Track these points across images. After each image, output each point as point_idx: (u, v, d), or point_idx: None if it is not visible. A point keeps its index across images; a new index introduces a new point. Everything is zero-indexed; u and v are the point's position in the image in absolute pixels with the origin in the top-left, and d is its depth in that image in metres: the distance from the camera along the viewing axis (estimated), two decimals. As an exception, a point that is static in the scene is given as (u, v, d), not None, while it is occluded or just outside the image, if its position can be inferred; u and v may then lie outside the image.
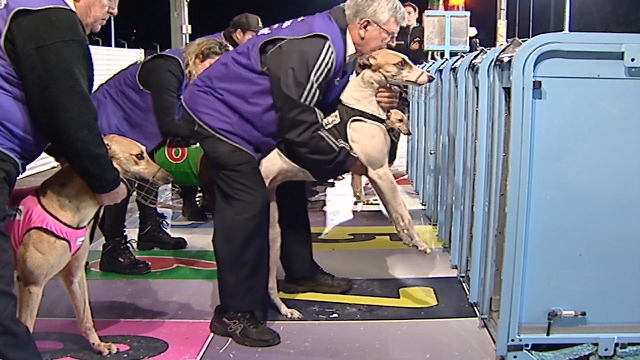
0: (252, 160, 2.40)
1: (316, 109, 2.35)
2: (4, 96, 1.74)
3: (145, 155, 2.18)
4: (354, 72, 2.52)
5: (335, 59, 2.35)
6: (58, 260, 2.01)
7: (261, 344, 2.37)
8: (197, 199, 4.54)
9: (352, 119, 2.46)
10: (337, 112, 2.47)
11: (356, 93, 2.49)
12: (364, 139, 2.46)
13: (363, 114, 2.47)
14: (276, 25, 2.47)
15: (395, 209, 2.54)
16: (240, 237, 2.37)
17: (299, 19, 2.46)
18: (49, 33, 1.73)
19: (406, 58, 2.50)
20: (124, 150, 2.12)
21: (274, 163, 2.49)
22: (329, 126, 2.44)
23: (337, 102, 2.51)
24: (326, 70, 2.33)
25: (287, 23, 2.44)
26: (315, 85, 2.31)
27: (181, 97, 2.52)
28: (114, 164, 2.05)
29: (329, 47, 2.32)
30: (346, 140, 2.44)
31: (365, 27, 2.42)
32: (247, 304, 2.43)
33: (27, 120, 1.79)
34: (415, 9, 6.30)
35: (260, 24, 4.23)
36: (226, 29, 4.24)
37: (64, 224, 1.99)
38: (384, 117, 2.53)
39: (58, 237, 1.98)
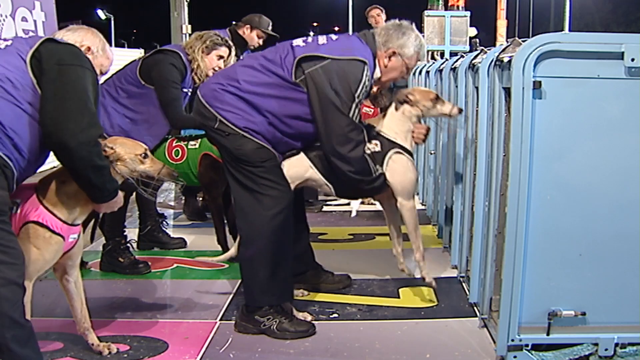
0: (275, 157, 2.46)
1: (364, 129, 2.49)
2: (12, 106, 1.84)
3: (149, 153, 2.22)
4: (393, 107, 2.66)
5: (370, 82, 2.46)
6: (52, 255, 2.03)
7: (300, 334, 2.43)
8: (198, 198, 4.55)
9: (393, 150, 2.60)
10: (378, 142, 2.59)
11: (396, 127, 2.64)
12: (403, 171, 2.62)
13: (402, 147, 2.62)
14: (310, 39, 2.52)
15: (413, 240, 2.71)
16: (270, 232, 2.40)
17: (333, 37, 2.51)
18: (70, 57, 1.97)
19: (438, 94, 2.69)
20: (128, 152, 2.15)
21: (305, 170, 2.60)
22: (369, 152, 2.55)
23: (374, 131, 2.65)
24: (364, 91, 2.43)
25: (321, 39, 2.49)
26: (358, 105, 2.42)
27: (198, 92, 2.52)
28: (120, 165, 2.11)
29: (367, 70, 2.42)
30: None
31: (390, 57, 2.53)
32: (281, 298, 2.49)
33: (30, 135, 1.87)
34: (382, 10, 6.31)
35: (270, 27, 4.26)
36: (234, 24, 4.25)
37: (60, 219, 2.02)
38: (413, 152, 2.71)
39: (53, 232, 2.00)
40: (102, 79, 3.25)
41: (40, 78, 1.89)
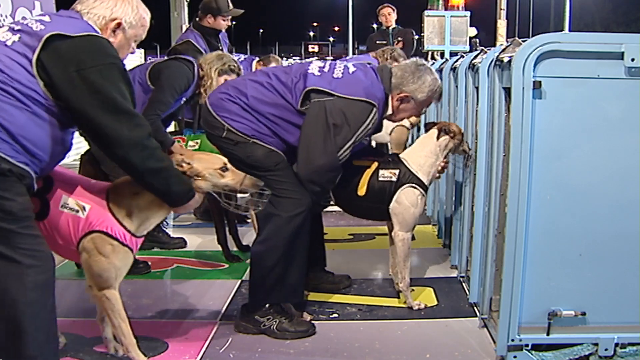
0: (285, 160, 2.46)
1: (341, 171, 2.48)
2: (20, 111, 1.73)
3: (229, 165, 2.15)
4: (429, 135, 2.75)
5: (376, 122, 2.47)
6: (123, 263, 2.02)
7: (300, 334, 2.44)
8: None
9: (408, 184, 2.66)
10: (397, 171, 2.67)
11: (423, 159, 2.72)
12: (409, 205, 2.67)
13: (421, 183, 2.68)
14: (327, 67, 2.50)
15: (401, 270, 2.75)
16: (287, 233, 2.40)
17: (351, 69, 2.49)
18: (91, 57, 1.77)
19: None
20: (207, 167, 2.09)
21: None
22: (382, 179, 2.65)
23: (397, 158, 2.74)
24: (366, 132, 2.44)
25: (338, 72, 2.47)
26: (353, 144, 2.41)
27: (206, 101, 2.52)
28: (200, 181, 2.07)
29: (375, 114, 2.42)
30: (390, 198, 2.66)
31: (402, 100, 2.53)
32: (287, 297, 2.49)
33: (42, 137, 1.79)
34: (394, 10, 6.33)
35: (231, 6, 4.17)
36: (195, 20, 4.16)
37: (129, 231, 2.00)
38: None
39: (122, 243, 1.99)
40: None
41: (51, 84, 1.74)
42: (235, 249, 3.53)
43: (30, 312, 1.71)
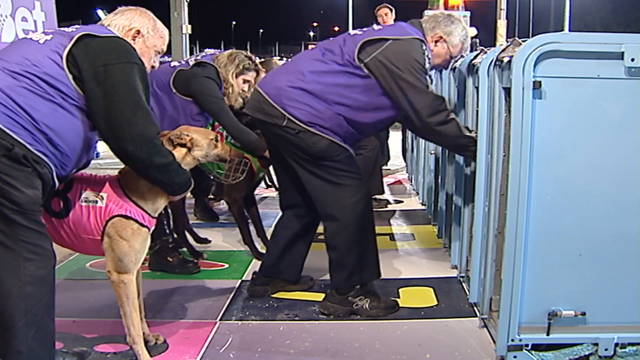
0: (345, 150, 2.53)
1: (444, 98, 2.53)
2: (46, 100, 1.81)
3: (219, 137, 2.29)
4: None
5: (429, 58, 2.52)
6: (142, 246, 2.09)
7: (389, 311, 2.64)
8: (210, 199, 4.57)
9: None
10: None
11: None
12: None
13: None
14: (365, 28, 2.57)
15: None
16: (355, 218, 2.53)
17: (385, 25, 2.58)
18: (116, 54, 1.90)
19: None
20: (204, 137, 2.23)
21: None
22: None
23: None
24: (429, 65, 2.51)
25: (375, 27, 2.55)
26: (430, 77, 2.52)
27: (260, 90, 2.54)
28: (197, 150, 2.19)
29: (426, 48, 2.49)
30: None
31: (437, 42, 2.58)
32: (371, 276, 2.65)
33: (65, 128, 1.85)
34: (391, 10, 6.31)
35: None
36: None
37: (146, 212, 2.08)
38: None
39: (141, 224, 2.06)
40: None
41: (80, 78, 1.85)
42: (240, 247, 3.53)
43: (23, 306, 1.71)
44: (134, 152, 1.91)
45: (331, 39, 2.62)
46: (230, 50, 3.33)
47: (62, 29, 1.96)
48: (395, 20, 6.43)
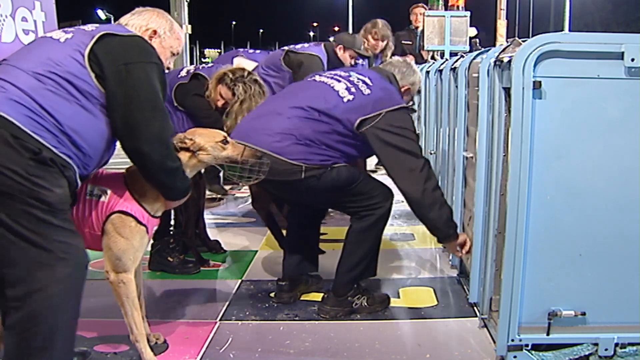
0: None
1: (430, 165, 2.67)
2: (70, 102, 1.80)
3: (229, 139, 2.24)
4: None
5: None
6: (140, 244, 2.08)
7: (385, 304, 2.72)
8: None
9: None
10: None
11: None
12: None
13: None
14: (353, 88, 2.57)
15: None
16: (384, 219, 2.64)
17: (368, 81, 2.60)
18: (137, 53, 1.90)
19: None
20: (208, 140, 2.18)
21: None
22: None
23: None
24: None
25: (363, 88, 2.57)
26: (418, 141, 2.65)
27: (267, 151, 2.44)
28: (202, 154, 2.15)
29: (410, 113, 2.67)
30: None
31: (404, 93, 2.79)
32: (370, 273, 2.71)
33: (89, 129, 1.85)
34: (426, 10, 6.25)
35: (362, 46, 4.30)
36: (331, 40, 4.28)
37: (146, 210, 2.07)
38: None
39: (139, 222, 2.05)
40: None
41: (102, 76, 1.84)
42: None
43: (54, 303, 1.72)
44: (149, 153, 1.91)
45: (316, 83, 2.66)
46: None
47: (82, 27, 1.95)
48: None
